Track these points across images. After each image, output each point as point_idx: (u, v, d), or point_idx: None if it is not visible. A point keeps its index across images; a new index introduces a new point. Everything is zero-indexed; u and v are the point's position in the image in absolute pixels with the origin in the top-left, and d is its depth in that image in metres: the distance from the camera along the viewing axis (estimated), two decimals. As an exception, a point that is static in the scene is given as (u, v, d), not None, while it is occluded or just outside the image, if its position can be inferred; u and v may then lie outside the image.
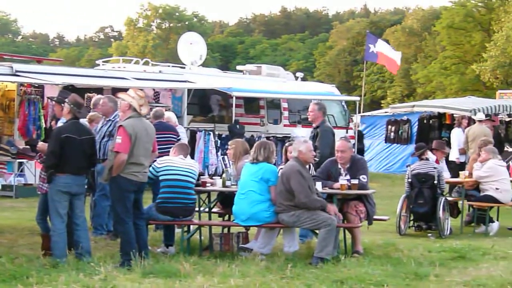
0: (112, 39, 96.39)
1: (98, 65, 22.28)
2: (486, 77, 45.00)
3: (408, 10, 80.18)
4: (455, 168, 16.79)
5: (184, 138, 14.39)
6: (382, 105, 55.32)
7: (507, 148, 22.54)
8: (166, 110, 14.47)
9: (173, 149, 10.15)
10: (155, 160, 9.76)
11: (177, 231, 10.30)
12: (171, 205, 9.61)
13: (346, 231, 10.22)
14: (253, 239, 10.14)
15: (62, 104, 9.34)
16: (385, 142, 26.06)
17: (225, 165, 14.14)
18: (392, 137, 25.63)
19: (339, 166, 10.22)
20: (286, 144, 10.99)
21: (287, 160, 10.35)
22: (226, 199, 10.33)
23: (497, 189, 12.86)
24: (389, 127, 25.71)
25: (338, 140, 10.44)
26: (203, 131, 20.35)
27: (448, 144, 18.74)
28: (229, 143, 10.99)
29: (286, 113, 24.15)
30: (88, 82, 17.28)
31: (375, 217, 10.43)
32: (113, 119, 11.02)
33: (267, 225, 9.62)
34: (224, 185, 10.27)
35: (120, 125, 8.96)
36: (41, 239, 9.68)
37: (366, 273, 8.36)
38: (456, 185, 13.93)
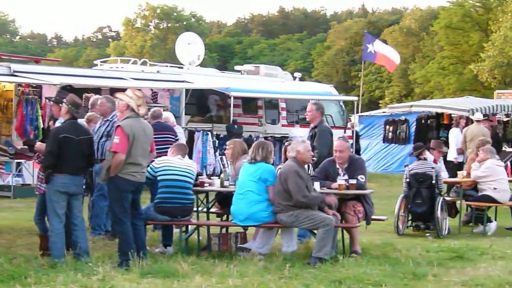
0: (110, 39, 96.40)
1: (96, 65, 22.26)
2: (484, 77, 45.02)
3: (406, 10, 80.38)
4: (453, 168, 16.79)
5: (182, 138, 14.38)
6: (380, 105, 55.32)
7: (505, 148, 22.54)
8: (164, 110, 14.48)
9: (171, 149, 10.15)
10: (153, 160, 9.76)
11: (175, 231, 10.29)
12: (169, 205, 9.61)
13: (344, 231, 10.22)
14: (251, 239, 10.14)
15: (60, 104, 9.34)
16: (383, 142, 26.07)
17: (223, 165, 14.15)
18: (390, 137, 25.64)
19: (337, 166, 10.22)
20: (286, 144, 10.99)
21: (286, 159, 10.35)
22: (224, 199, 10.33)
23: (495, 189, 12.86)
24: (387, 127, 25.72)
25: (336, 140, 10.44)
26: (201, 131, 20.35)
27: (446, 144, 18.76)
28: (227, 143, 10.99)
29: (284, 113, 24.16)
30: (86, 82, 17.29)
31: (373, 217, 10.42)
32: (111, 119, 11.02)
33: (265, 225, 9.63)
34: (222, 185, 10.26)
35: (118, 125, 8.96)
36: (39, 239, 9.68)
37: (364, 273, 8.37)
38: (454, 185, 13.94)
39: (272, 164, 9.82)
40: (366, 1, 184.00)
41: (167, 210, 9.61)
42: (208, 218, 10.80)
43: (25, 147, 17.09)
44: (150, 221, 9.85)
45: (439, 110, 23.82)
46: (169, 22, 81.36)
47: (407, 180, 12.66)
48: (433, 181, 12.43)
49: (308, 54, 79.62)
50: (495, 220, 13.36)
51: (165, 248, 9.99)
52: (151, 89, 19.86)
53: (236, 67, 26.82)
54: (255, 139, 19.95)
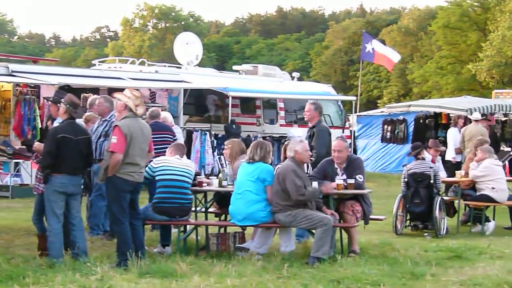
0: (108, 39, 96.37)
1: (94, 65, 22.27)
2: (482, 77, 45.04)
3: (404, 10, 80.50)
4: (451, 167, 16.82)
5: (181, 138, 14.37)
6: (378, 104, 55.36)
7: (503, 147, 22.51)
8: (162, 110, 14.46)
9: (169, 149, 10.15)
10: (151, 160, 9.76)
11: (174, 231, 10.29)
12: (168, 205, 9.61)
13: (343, 231, 10.21)
14: (249, 239, 10.14)
15: (58, 104, 9.34)
16: (381, 142, 26.06)
17: (222, 165, 14.17)
18: (388, 136, 25.63)
19: (336, 166, 10.22)
20: (286, 143, 10.98)
21: (286, 158, 10.34)
22: (223, 199, 10.32)
23: (493, 188, 12.87)
24: (385, 126, 25.71)
25: (335, 140, 10.43)
26: (200, 131, 20.34)
27: (444, 143, 18.78)
28: (226, 143, 10.99)
29: (282, 113, 24.17)
30: (84, 82, 17.28)
31: (371, 216, 10.43)
32: (109, 119, 11.01)
33: (263, 225, 9.63)
34: (220, 185, 10.26)
35: (116, 125, 8.96)
36: (38, 239, 9.68)
37: (362, 273, 8.37)
38: (452, 184, 13.95)
39: (271, 164, 9.82)
40: (364, 1, 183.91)
41: (165, 210, 9.60)
42: (206, 218, 10.80)
43: (24, 147, 17.09)
44: (149, 221, 9.84)
45: (437, 110, 23.82)
46: (167, 22, 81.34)
47: (405, 179, 12.66)
48: (431, 181, 12.44)
49: (306, 54, 79.62)
50: (493, 219, 13.37)
51: (164, 248, 9.98)
52: (149, 89, 19.86)
53: (234, 67, 26.82)
54: (253, 139, 19.95)
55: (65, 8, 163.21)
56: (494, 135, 20.46)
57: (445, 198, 13.36)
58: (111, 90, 15.43)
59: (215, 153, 20.37)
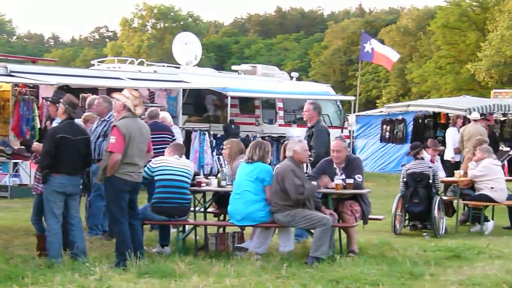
0: (107, 39, 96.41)
1: (93, 65, 22.27)
2: (481, 77, 45.07)
3: (403, 9, 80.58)
4: (450, 167, 16.81)
5: (179, 138, 14.37)
6: (377, 104, 55.39)
7: (502, 147, 22.55)
8: (161, 110, 14.44)
9: (168, 149, 10.14)
10: (150, 160, 9.75)
11: (173, 231, 10.29)
12: (166, 205, 9.60)
13: (342, 231, 10.21)
14: (248, 239, 10.15)
15: (57, 104, 9.33)
16: (380, 142, 26.06)
17: (220, 165, 14.18)
18: (387, 136, 25.63)
19: (335, 166, 10.21)
20: (285, 143, 10.98)
21: (285, 158, 10.34)
22: (222, 199, 10.32)
23: (492, 188, 12.87)
24: (384, 126, 25.72)
25: (333, 140, 10.44)
26: (198, 131, 20.33)
27: (443, 143, 18.78)
28: (224, 143, 10.99)
29: (281, 113, 24.17)
30: (83, 82, 17.28)
31: (370, 216, 10.42)
32: (108, 119, 11.01)
33: (262, 224, 9.62)
34: (219, 185, 10.25)
35: (114, 125, 8.96)
36: (36, 239, 9.68)
37: (361, 273, 8.37)
38: (451, 184, 13.95)
39: (269, 164, 9.82)
40: (363, 1, 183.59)
41: (164, 210, 9.60)
42: (205, 218, 10.79)
43: (22, 147, 17.07)
44: (147, 221, 9.84)
45: (436, 110, 23.81)
46: (166, 22, 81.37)
47: (404, 179, 12.67)
48: (430, 181, 12.44)
49: (305, 54, 79.64)
50: (492, 219, 13.38)
51: (162, 248, 9.98)
52: (148, 89, 19.86)
53: (233, 67, 26.80)
54: (252, 139, 19.95)
55: (64, 8, 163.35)
56: (493, 134, 20.44)
57: (444, 198, 13.36)
58: (110, 90, 15.44)
59: (214, 153, 20.36)
